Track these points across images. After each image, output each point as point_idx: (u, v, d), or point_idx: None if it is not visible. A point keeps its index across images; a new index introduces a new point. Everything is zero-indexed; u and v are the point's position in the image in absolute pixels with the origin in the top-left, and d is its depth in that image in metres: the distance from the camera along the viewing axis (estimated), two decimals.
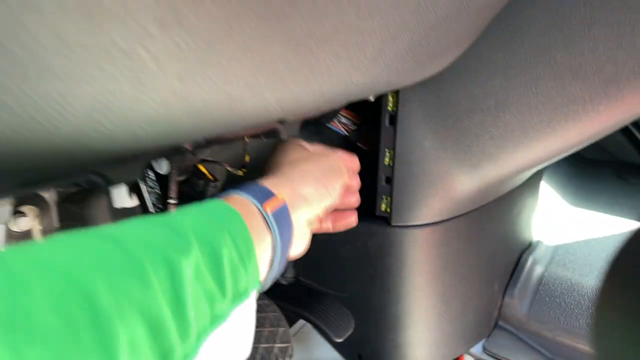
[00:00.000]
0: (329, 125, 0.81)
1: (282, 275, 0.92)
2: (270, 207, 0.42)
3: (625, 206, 1.22)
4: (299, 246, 0.47)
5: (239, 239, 0.36)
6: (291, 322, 0.94)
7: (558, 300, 0.94)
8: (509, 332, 0.96)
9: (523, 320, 0.95)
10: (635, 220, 1.16)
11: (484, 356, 0.93)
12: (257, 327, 0.61)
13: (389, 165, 0.74)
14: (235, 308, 0.36)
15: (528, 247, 1.04)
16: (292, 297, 0.77)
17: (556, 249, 1.06)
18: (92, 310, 0.24)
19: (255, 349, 0.59)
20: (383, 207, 0.77)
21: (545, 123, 0.59)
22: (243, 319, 0.42)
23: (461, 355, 0.91)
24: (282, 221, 0.43)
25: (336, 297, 0.86)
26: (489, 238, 0.85)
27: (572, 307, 0.92)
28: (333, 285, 0.87)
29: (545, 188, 1.35)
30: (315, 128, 0.81)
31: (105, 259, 0.27)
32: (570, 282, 0.96)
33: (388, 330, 0.83)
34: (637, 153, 1.72)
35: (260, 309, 0.63)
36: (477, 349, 0.94)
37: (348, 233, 0.82)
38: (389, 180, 0.75)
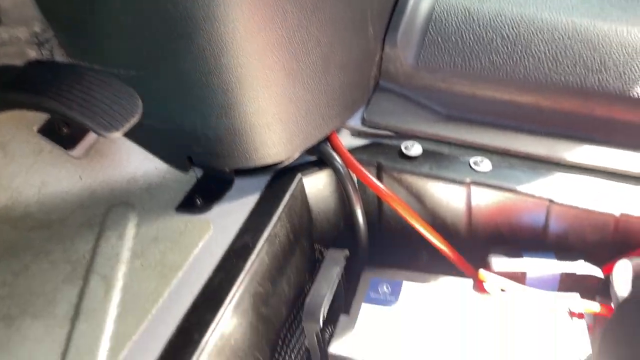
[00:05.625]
0: None
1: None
2: None
3: None
4: None
5: None
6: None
7: (453, 38, 0.69)
8: (394, 93, 0.72)
9: (410, 72, 0.70)
10: None
11: (365, 128, 0.70)
12: None
13: None
14: None
15: None
16: (29, 81, 0.45)
17: None
18: None
19: None
20: None
21: None
22: None
23: (333, 132, 0.66)
24: None
25: (125, 78, 0.55)
26: None
27: (471, 43, 0.68)
28: (114, 59, 0.54)
29: None
30: None
31: None
32: (468, 12, 0.70)
33: (218, 113, 0.55)
34: None
35: None
36: (354, 121, 0.70)
37: None
38: None
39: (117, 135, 0.43)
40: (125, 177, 0.63)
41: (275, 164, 0.64)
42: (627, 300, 0.25)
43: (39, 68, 0.48)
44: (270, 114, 0.56)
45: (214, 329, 0.47)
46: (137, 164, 0.64)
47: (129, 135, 0.64)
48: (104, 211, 0.59)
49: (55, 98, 0.43)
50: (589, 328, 0.53)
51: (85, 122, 0.42)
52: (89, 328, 0.48)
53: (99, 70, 0.54)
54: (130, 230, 0.57)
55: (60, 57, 0.61)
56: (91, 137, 0.63)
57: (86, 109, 0.42)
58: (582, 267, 0.57)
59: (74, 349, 0.46)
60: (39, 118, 0.63)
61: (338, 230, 0.71)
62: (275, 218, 0.58)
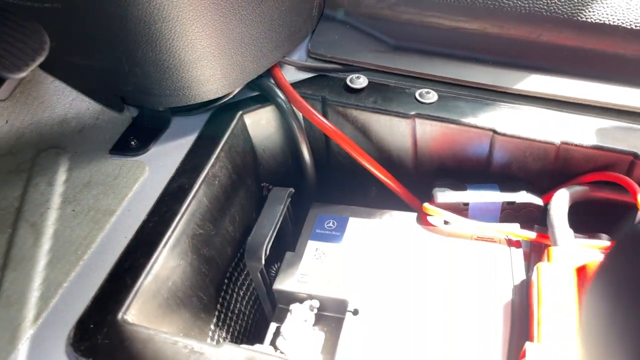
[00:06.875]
0: None
1: None
2: None
3: None
4: None
5: None
6: None
7: None
8: (339, 23, 0.69)
9: (356, 0, 0.67)
10: None
11: (309, 61, 0.67)
12: None
13: None
14: None
15: None
16: None
17: None
18: None
19: None
20: None
21: None
22: None
23: (275, 66, 0.63)
24: None
25: (37, 11, 0.50)
26: None
27: None
28: None
29: None
30: None
31: None
32: None
33: (143, 48, 0.52)
34: None
35: None
36: (298, 54, 0.67)
37: None
38: None
39: (22, 76, 0.39)
40: (55, 119, 0.60)
41: (214, 101, 0.61)
42: (627, 236, 0.25)
43: None
44: (200, 48, 0.53)
45: (148, 272, 0.46)
46: (67, 104, 0.61)
47: (56, 73, 0.60)
48: (32, 156, 0.56)
49: None
50: (525, 255, 0.54)
51: None
52: (18, 276, 0.47)
53: (4, 2, 0.50)
54: (61, 175, 0.55)
55: None
56: None
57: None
58: (523, 196, 0.57)
59: (4, 298, 0.45)
60: None
61: (286, 167, 0.70)
62: (213, 158, 0.56)
